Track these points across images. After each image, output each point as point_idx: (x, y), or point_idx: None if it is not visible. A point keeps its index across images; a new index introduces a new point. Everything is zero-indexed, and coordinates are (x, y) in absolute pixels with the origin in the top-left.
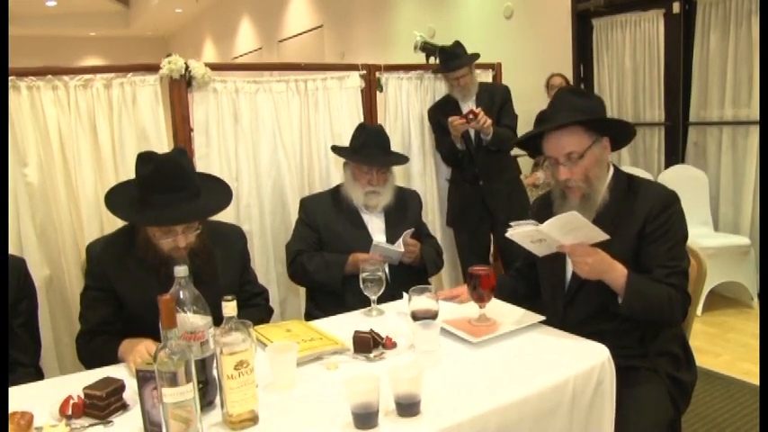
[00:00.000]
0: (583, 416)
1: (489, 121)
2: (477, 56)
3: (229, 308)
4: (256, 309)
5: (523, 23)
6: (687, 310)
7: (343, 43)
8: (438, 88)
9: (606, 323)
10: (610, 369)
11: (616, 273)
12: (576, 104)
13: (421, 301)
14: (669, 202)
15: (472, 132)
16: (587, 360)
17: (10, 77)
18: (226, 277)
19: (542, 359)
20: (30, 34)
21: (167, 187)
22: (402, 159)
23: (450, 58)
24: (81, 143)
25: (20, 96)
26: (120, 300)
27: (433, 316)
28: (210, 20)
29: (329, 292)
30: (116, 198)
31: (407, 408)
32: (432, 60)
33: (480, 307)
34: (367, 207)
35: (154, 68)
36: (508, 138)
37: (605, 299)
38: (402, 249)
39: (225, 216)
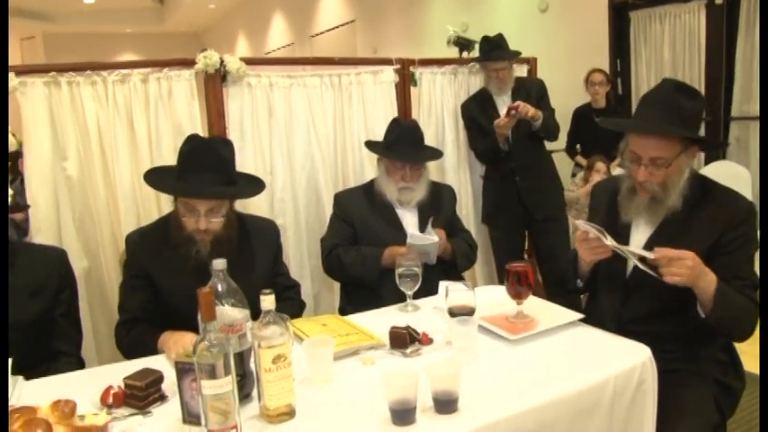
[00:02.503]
0: (623, 416)
1: (533, 109)
2: (518, 53)
3: (267, 301)
4: (289, 302)
5: (559, 17)
6: (756, 323)
7: (375, 38)
8: (473, 83)
9: (657, 325)
10: (651, 369)
11: (708, 278)
12: (679, 104)
13: (458, 297)
14: (749, 215)
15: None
16: (628, 359)
17: (51, 73)
18: (259, 270)
19: (581, 357)
20: (68, 31)
21: (201, 166)
22: (436, 155)
23: (493, 49)
24: (119, 137)
25: (60, 92)
26: (157, 288)
27: (470, 312)
28: (243, 15)
29: (364, 287)
30: (155, 173)
31: (445, 405)
32: (465, 55)
33: (518, 304)
34: (400, 202)
35: (189, 63)
36: (556, 126)
37: (662, 302)
38: (436, 238)
39: (259, 210)
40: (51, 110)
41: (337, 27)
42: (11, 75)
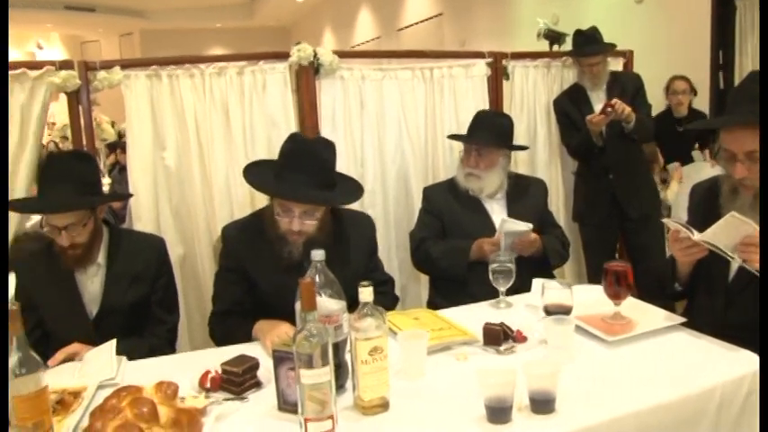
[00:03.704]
0: (730, 427)
1: (629, 109)
2: (614, 46)
3: (366, 293)
4: (382, 297)
5: (656, 7)
6: None
7: (463, 31)
8: (566, 77)
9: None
10: (762, 380)
11: None
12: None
13: (555, 295)
14: None
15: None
16: (736, 368)
17: (152, 67)
18: (354, 265)
19: (685, 363)
20: (162, 28)
21: (299, 167)
22: (500, 140)
23: (587, 42)
24: (214, 128)
25: (161, 84)
26: (252, 281)
27: (566, 311)
28: (330, 9)
29: (453, 281)
30: (256, 168)
31: (542, 404)
32: (555, 48)
33: (615, 304)
34: (472, 190)
35: (283, 56)
36: (650, 126)
37: None
38: (531, 225)
39: None
40: (152, 101)
41: (425, 20)
42: (116, 68)
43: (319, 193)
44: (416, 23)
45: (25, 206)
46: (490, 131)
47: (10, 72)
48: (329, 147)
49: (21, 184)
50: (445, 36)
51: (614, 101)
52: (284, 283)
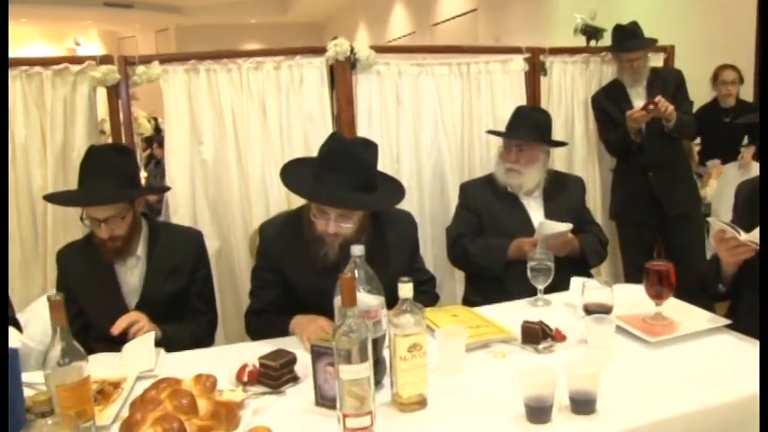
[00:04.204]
0: None
1: (671, 108)
2: (655, 40)
3: (405, 289)
4: (423, 295)
5: (698, 0)
6: None
7: (497, 27)
8: (605, 73)
9: None
10: None
11: None
12: None
13: (595, 295)
14: None
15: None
16: None
17: (190, 61)
18: (395, 265)
19: (730, 366)
20: (197, 23)
21: (338, 168)
22: (541, 136)
23: (627, 37)
24: (251, 123)
25: (198, 78)
26: (287, 282)
27: (607, 311)
28: (364, 5)
29: (491, 278)
30: (294, 166)
31: (583, 405)
32: (592, 43)
33: (657, 305)
34: (512, 187)
35: (320, 51)
36: (691, 124)
37: None
38: (570, 226)
39: None
40: (190, 96)
41: (459, 16)
42: (155, 63)
43: (357, 196)
44: (451, 19)
45: (66, 199)
46: (531, 127)
47: (53, 67)
48: (370, 147)
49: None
50: (479, 32)
51: (658, 98)
52: (319, 286)
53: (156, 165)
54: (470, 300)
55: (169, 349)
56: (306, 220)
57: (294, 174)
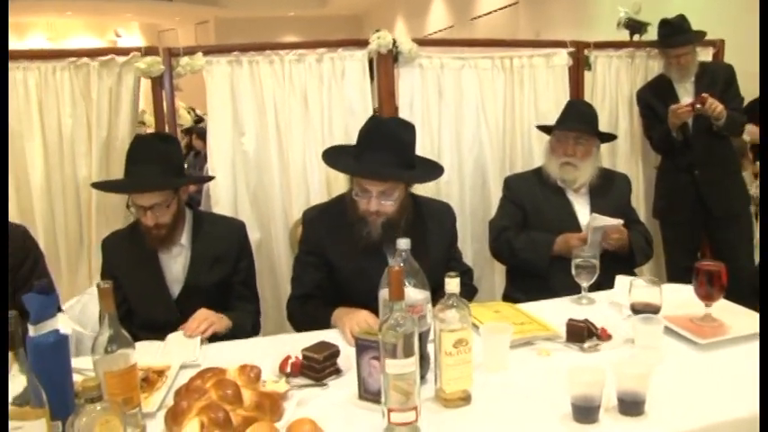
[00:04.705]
0: None
1: (721, 107)
2: (703, 34)
3: (453, 284)
4: (461, 287)
5: None
6: None
7: (538, 21)
8: (651, 68)
9: None
10: None
11: None
12: None
13: (642, 294)
14: None
15: (690, 117)
16: None
17: (233, 53)
18: (433, 255)
19: None
20: (237, 16)
21: (378, 146)
22: (596, 131)
23: (674, 32)
24: (293, 115)
25: (241, 70)
26: (330, 265)
27: (654, 310)
28: None
29: (533, 275)
30: (334, 151)
31: (631, 406)
32: (636, 38)
33: (706, 306)
34: (564, 181)
35: (363, 44)
36: (742, 122)
37: None
38: (621, 222)
39: (426, 191)
40: (232, 87)
41: (499, 9)
42: (199, 54)
43: (397, 171)
44: (490, 12)
45: (113, 187)
46: (585, 120)
47: (99, 58)
48: (408, 127)
49: (115, 168)
50: (520, 25)
51: (706, 96)
52: (362, 266)
53: (195, 156)
54: (511, 296)
55: (216, 339)
56: (348, 202)
57: (336, 155)
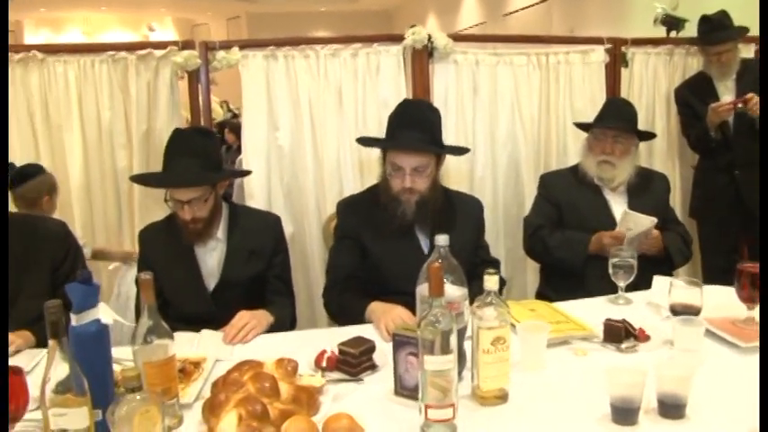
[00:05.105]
0: None
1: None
2: (746, 30)
3: (491, 281)
4: None
5: None
6: None
7: (572, 17)
8: (689, 65)
9: None
10: None
11: None
12: None
13: (683, 295)
14: None
15: (730, 116)
16: None
17: (269, 48)
18: (461, 244)
19: None
20: (268, 11)
21: (409, 125)
22: (632, 126)
23: (714, 29)
24: (327, 110)
25: (277, 64)
26: (365, 250)
27: (695, 312)
28: None
29: (568, 273)
30: (367, 138)
31: (672, 409)
32: (673, 34)
33: (748, 308)
34: (601, 180)
35: (398, 39)
36: None
37: None
38: (655, 220)
39: (460, 186)
40: (268, 82)
41: (532, 5)
42: (235, 48)
43: (428, 145)
44: (523, 8)
45: (152, 180)
46: (624, 118)
47: (137, 52)
48: (435, 110)
49: (153, 160)
50: (553, 22)
51: (751, 95)
52: (395, 247)
53: (227, 150)
54: (544, 294)
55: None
56: (382, 186)
57: (369, 141)
